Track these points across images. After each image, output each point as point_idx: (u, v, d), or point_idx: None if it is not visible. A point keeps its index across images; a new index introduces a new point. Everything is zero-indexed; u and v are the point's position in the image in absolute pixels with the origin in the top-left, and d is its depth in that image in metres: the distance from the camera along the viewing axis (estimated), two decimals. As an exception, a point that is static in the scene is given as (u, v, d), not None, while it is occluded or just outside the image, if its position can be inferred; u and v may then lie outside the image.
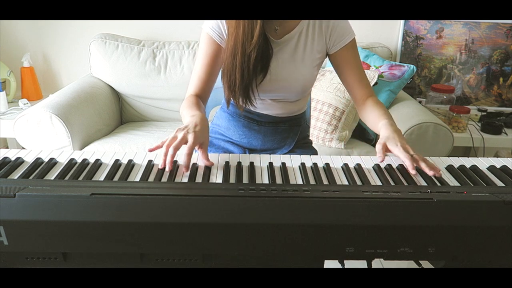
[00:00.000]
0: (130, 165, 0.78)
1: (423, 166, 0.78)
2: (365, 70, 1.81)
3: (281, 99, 1.10)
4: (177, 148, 0.76)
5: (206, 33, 1.03)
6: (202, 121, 0.85)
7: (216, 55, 1.01)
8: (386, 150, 0.85)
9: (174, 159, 0.81)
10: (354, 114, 1.76)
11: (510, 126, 2.01)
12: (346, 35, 1.03)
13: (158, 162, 0.79)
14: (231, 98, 1.02)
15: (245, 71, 0.96)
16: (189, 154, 0.76)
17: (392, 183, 0.75)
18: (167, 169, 0.74)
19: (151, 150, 0.80)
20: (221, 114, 1.21)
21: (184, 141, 0.77)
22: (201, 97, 1.04)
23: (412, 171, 0.78)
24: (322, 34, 1.03)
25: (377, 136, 1.85)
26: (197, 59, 1.05)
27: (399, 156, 0.82)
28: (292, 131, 1.17)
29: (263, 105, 1.11)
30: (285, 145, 1.17)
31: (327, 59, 1.10)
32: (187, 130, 0.80)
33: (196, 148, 0.81)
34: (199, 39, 1.07)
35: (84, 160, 0.79)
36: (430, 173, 0.77)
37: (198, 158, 0.82)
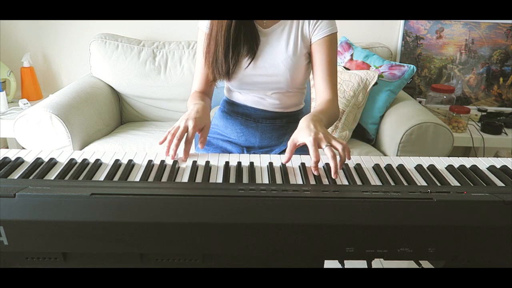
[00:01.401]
0: (130, 165, 0.78)
1: (332, 165, 0.74)
2: (365, 70, 1.82)
3: (274, 90, 1.11)
4: (180, 137, 0.81)
5: (201, 31, 1.08)
6: (203, 109, 0.90)
7: None
8: (296, 146, 0.83)
9: (175, 159, 0.81)
10: (354, 114, 1.76)
11: (510, 126, 2.01)
12: (329, 26, 1.04)
13: (157, 162, 0.79)
14: (210, 74, 1.06)
15: (219, 41, 1.01)
16: (189, 141, 0.80)
17: (392, 183, 0.75)
18: (170, 157, 0.78)
19: (161, 143, 0.84)
20: (219, 113, 1.23)
21: (185, 129, 0.83)
22: (205, 94, 1.11)
23: (315, 172, 0.75)
24: (307, 21, 1.05)
25: (377, 136, 1.85)
26: (197, 57, 1.10)
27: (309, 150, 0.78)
28: (289, 128, 1.18)
29: (258, 100, 1.13)
30: (283, 142, 1.17)
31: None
32: (188, 117, 0.85)
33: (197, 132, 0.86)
34: (197, 38, 1.10)
35: (84, 160, 0.79)
36: (334, 176, 0.73)
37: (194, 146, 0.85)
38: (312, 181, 0.75)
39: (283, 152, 1.16)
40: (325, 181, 0.76)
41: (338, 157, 0.77)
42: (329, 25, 1.04)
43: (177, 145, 0.78)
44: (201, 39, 1.08)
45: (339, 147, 0.78)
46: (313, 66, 1.08)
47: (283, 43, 1.05)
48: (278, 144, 1.17)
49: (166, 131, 0.85)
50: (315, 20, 1.05)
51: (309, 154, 0.88)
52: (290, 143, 0.83)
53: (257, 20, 1.05)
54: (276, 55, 1.05)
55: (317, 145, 0.79)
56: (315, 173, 0.76)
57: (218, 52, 1.02)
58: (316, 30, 1.05)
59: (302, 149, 1.18)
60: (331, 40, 1.05)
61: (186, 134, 0.84)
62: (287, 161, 0.81)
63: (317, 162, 0.76)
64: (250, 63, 1.05)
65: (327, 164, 0.79)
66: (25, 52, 2.11)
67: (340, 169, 0.77)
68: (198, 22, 1.09)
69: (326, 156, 0.77)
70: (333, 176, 0.74)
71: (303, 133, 0.82)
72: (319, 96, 1.06)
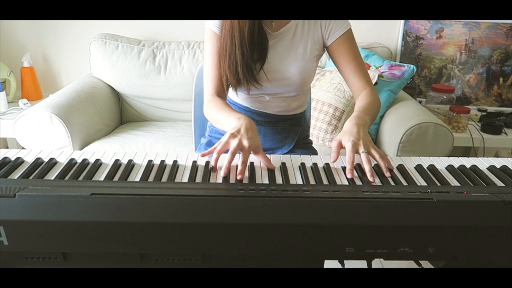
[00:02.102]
0: (130, 165, 0.78)
1: (367, 169, 0.76)
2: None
3: (280, 94, 1.10)
4: (232, 156, 0.76)
5: (210, 30, 1.03)
6: (251, 124, 0.85)
7: None
8: (341, 146, 0.83)
9: (175, 159, 0.81)
10: (354, 114, 1.76)
11: (510, 126, 2.01)
12: (341, 25, 1.04)
13: (157, 162, 0.79)
14: (234, 83, 1.02)
15: (244, 47, 0.97)
16: (245, 162, 0.75)
17: (392, 183, 0.75)
18: (223, 174, 0.74)
19: (203, 155, 0.80)
20: None
21: (239, 147, 0.78)
22: (221, 97, 1.05)
23: (348, 175, 0.75)
24: (318, 25, 1.04)
25: (377, 136, 1.85)
26: (206, 58, 1.05)
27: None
28: (292, 131, 1.17)
29: (262, 103, 1.12)
30: (285, 145, 1.17)
31: (325, 58, 1.10)
32: (241, 136, 0.80)
33: (252, 153, 0.82)
34: (204, 38, 1.07)
35: (84, 160, 0.79)
36: (370, 178, 0.74)
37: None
38: (312, 181, 0.75)
39: (284, 154, 1.16)
40: (325, 181, 0.76)
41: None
42: (342, 24, 1.03)
43: (230, 163, 0.75)
44: (210, 39, 1.04)
45: (377, 155, 0.79)
46: (339, 65, 1.06)
47: (293, 46, 1.04)
48: (280, 147, 1.17)
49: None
50: (326, 23, 1.03)
51: (309, 154, 0.88)
52: (335, 143, 0.83)
53: (265, 23, 1.02)
54: (286, 59, 1.04)
55: (356, 150, 0.79)
56: (349, 176, 0.75)
57: (245, 60, 0.98)
58: (331, 31, 1.04)
59: (303, 150, 1.19)
60: (349, 36, 1.04)
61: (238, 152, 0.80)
62: (335, 161, 0.81)
63: (351, 163, 0.76)
64: (260, 68, 1.02)
65: (358, 165, 0.80)
66: (25, 52, 2.11)
67: (388, 176, 0.76)
68: (198, 22, 1.07)
69: (361, 161, 0.78)
70: (370, 179, 0.74)
71: (345, 137, 0.83)
72: (356, 90, 1.05)
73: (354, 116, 0.90)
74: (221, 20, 1.01)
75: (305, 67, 1.05)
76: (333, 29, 1.03)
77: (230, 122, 0.88)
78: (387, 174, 0.76)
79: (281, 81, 1.06)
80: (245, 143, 0.79)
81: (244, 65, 0.98)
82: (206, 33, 1.05)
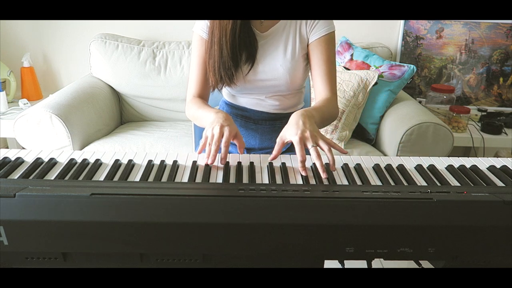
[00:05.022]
0: (130, 165, 0.78)
1: (318, 165, 0.75)
2: (365, 70, 1.82)
3: (273, 93, 1.10)
4: (218, 143, 0.81)
5: (197, 35, 1.06)
6: (228, 116, 0.90)
7: None
8: (284, 142, 0.83)
9: (175, 159, 0.81)
10: (354, 114, 1.76)
11: (510, 126, 2.01)
12: (326, 26, 1.04)
13: (157, 162, 0.80)
14: (215, 82, 1.04)
15: (224, 46, 0.99)
16: (227, 146, 0.81)
17: (392, 183, 0.75)
18: (209, 162, 0.78)
19: (200, 152, 0.84)
20: None
21: (221, 135, 0.82)
22: (203, 98, 1.08)
23: (302, 172, 0.75)
24: (304, 23, 1.05)
25: (377, 136, 1.85)
26: (192, 61, 1.08)
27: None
28: None
29: (258, 102, 1.12)
30: (283, 144, 1.17)
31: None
32: (221, 125, 0.84)
33: (233, 140, 0.86)
34: (192, 41, 1.09)
35: (84, 160, 0.79)
36: (323, 175, 0.74)
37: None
38: (312, 181, 0.75)
39: (283, 153, 1.16)
40: (325, 181, 0.76)
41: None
42: (326, 25, 1.04)
43: (217, 151, 0.79)
44: (196, 43, 1.06)
45: (325, 148, 0.79)
46: (311, 66, 1.07)
47: (281, 46, 1.05)
48: (278, 145, 1.17)
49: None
50: (312, 21, 1.04)
51: (308, 154, 0.88)
52: (278, 140, 0.84)
53: (254, 24, 1.03)
54: (275, 59, 1.05)
55: (303, 144, 0.79)
56: (303, 173, 0.76)
57: (223, 58, 1.00)
58: (313, 30, 1.04)
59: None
60: (329, 39, 1.04)
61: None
62: (274, 159, 0.82)
63: (303, 162, 0.76)
64: (250, 69, 1.04)
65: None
66: (25, 52, 2.11)
67: (333, 170, 0.77)
68: (195, 23, 1.08)
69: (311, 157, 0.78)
70: (322, 176, 0.74)
71: (290, 130, 0.83)
72: (317, 95, 1.06)
73: (300, 110, 0.89)
74: (209, 25, 1.02)
75: (294, 67, 1.06)
76: (316, 28, 1.04)
77: (208, 117, 0.93)
78: (324, 175, 0.74)
79: (270, 81, 1.06)
80: (226, 129, 0.83)
81: (221, 64, 1.00)
82: (193, 37, 1.08)
